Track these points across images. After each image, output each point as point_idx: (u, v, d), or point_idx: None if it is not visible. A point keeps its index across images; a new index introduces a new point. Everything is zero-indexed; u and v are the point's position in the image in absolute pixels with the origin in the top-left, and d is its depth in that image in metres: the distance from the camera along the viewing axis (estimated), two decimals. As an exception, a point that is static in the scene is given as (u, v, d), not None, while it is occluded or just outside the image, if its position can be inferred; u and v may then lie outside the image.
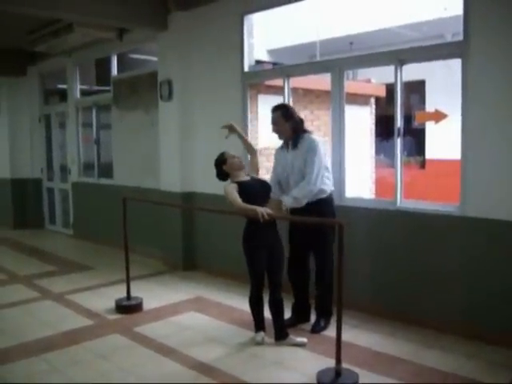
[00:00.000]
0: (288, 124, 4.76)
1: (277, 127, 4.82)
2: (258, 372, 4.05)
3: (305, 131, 4.82)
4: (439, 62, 5.17)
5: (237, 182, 4.45)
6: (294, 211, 4.80)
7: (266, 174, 7.53)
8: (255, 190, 4.44)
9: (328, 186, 4.80)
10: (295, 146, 4.76)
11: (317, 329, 4.83)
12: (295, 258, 4.96)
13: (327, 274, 4.80)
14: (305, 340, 4.53)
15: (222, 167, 4.57)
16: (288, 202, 4.62)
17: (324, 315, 4.90)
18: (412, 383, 3.79)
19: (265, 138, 7.22)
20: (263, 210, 4.19)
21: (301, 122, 4.86)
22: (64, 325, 5.14)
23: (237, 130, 4.88)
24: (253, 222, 4.36)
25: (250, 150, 4.84)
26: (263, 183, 4.63)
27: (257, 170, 4.77)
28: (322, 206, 4.74)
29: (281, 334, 4.54)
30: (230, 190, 4.39)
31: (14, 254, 8.72)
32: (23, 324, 5.23)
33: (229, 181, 4.58)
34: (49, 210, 11.02)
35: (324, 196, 4.76)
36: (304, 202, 4.64)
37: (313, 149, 4.64)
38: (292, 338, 4.53)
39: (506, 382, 3.78)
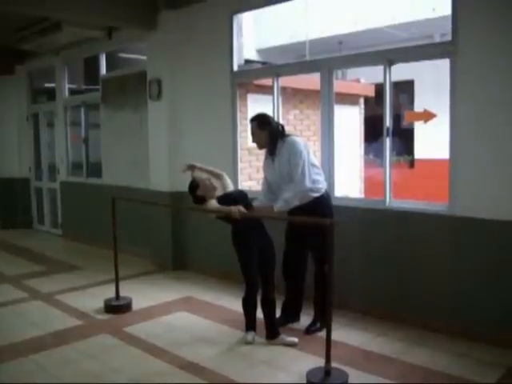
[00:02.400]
0: (264, 133, 4.77)
1: (254, 138, 4.86)
2: (248, 371, 4.05)
3: (285, 136, 4.78)
4: (428, 62, 5.20)
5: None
6: (291, 212, 4.82)
7: (256, 172, 7.56)
8: (233, 198, 4.54)
9: (319, 182, 4.77)
10: (274, 153, 4.76)
11: (311, 329, 4.83)
12: (291, 257, 4.96)
13: (325, 272, 4.75)
14: (296, 340, 4.53)
15: (196, 192, 4.62)
16: (278, 205, 4.62)
17: (321, 317, 4.77)
18: (402, 382, 3.81)
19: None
20: (236, 208, 4.30)
21: (281, 128, 4.85)
22: (53, 325, 5.11)
23: (197, 166, 4.96)
24: (236, 223, 4.45)
25: (217, 175, 4.89)
26: (239, 191, 4.79)
27: (230, 188, 4.82)
28: (318, 205, 4.71)
29: (272, 333, 4.55)
30: (211, 204, 4.52)
31: (2, 255, 8.64)
32: (11, 324, 5.20)
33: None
34: (37, 209, 10.94)
35: (318, 195, 4.74)
36: (294, 203, 4.63)
37: (293, 151, 4.63)
38: (283, 337, 4.54)
39: (495, 380, 3.81)
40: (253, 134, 4.84)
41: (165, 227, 7.22)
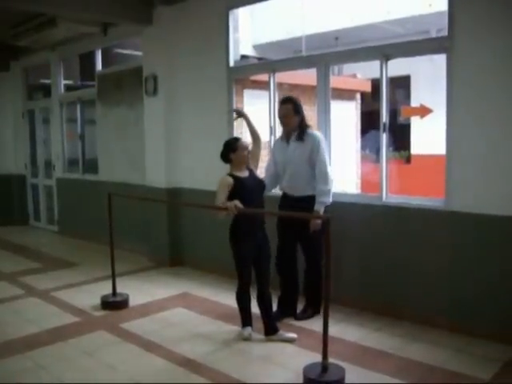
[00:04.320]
0: (296, 117, 4.86)
1: (286, 119, 4.90)
2: (245, 368, 4.05)
3: (308, 126, 4.93)
4: (424, 58, 5.20)
5: (234, 177, 4.42)
6: (283, 206, 4.89)
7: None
8: (251, 189, 4.42)
9: None
10: (300, 139, 4.84)
11: (303, 316, 4.92)
12: (283, 251, 4.99)
13: (317, 264, 4.84)
14: (294, 335, 4.52)
15: (230, 154, 4.49)
16: (320, 208, 4.69)
17: (312, 304, 4.97)
18: (399, 378, 3.81)
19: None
20: (233, 204, 4.20)
21: (304, 117, 4.97)
22: (49, 322, 5.09)
23: (244, 114, 4.85)
24: (238, 219, 4.42)
25: (255, 136, 4.77)
26: (259, 182, 4.60)
27: (257, 161, 4.72)
28: (311, 202, 4.75)
29: (270, 329, 4.54)
30: (222, 186, 4.39)
31: (-3, 251, 8.65)
32: (8, 321, 5.18)
33: (226, 170, 4.58)
34: (33, 206, 10.91)
35: (313, 193, 4.81)
36: (330, 199, 4.77)
37: (321, 147, 4.81)
38: (281, 333, 4.53)
39: (491, 374, 3.82)
40: (285, 115, 4.86)
41: (161, 223, 7.20)
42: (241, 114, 4.93)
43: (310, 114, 8.92)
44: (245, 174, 4.51)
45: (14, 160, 10.80)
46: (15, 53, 10.17)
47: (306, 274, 5.02)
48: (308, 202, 4.74)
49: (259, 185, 4.58)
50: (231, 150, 4.49)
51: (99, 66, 8.70)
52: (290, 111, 4.85)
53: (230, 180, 4.40)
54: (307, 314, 4.95)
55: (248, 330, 4.59)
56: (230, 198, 4.33)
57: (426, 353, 4.20)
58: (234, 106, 6.44)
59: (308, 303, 5.02)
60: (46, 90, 10.24)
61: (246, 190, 4.39)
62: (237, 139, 4.60)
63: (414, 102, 11.45)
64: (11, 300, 5.84)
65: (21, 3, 6.18)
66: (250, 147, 4.65)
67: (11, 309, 5.56)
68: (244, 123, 4.93)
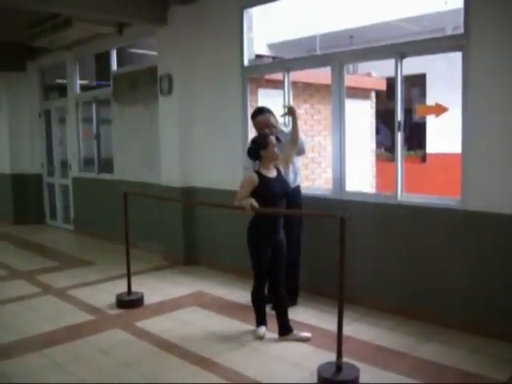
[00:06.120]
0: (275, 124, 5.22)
1: (270, 129, 5.09)
2: (260, 367, 4.05)
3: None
4: (440, 56, 5.16)
5: (261, 175, 4.38)
6: None
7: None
8: (274, 191, 4.38)
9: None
10: (278, 139, 4.96)
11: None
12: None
13: (293, 249, 5.00)
14: (309, 335, 4.52)
15: (260, 151, 4.41)
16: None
17: (291, 292, 5.07)
18: (413, 377, 3.80)
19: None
20: (248, 203, 4.22)
21: None
22: (65, 320, 5.14)
23: (295, 114, 4.87)
24: (257, 218, 4.41)
25: (294, 138, 4.79)
26: (284, 184, 4.52)
27: (287, 162, 4.73)
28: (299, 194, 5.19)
29: (285, 329, 4.54)
30: (245, 183, 4.38)
31: (14, 250, 8.73)
32: (24, 319, 5.24)
33: (252, 167, 4.59)
34: (49, 205, 11.02)
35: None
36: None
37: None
38: (296, 333, 4.52)
39: (507, 375, 3.78)
40: (271, 124, 5.10)
41: (176, 222, 7.23)
42: (292, 113, 4.89)
43: (325, 113, 8.95)
44: (273, 173, 4.46)
45: (30, 159, 10.90)
46: (32, 53, 10.27)
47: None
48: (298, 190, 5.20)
49: (284, 189, 4.50)
50: (262, 146, 4.41)
51: (114, 66, 8.75)
52: (274, 119, 5.20)
53: (255, 178, 4.35)
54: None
55: (262, 329, 4.60)
56: (253, 196, 4.31)
57: (439, 353, 4.18)
58: (248, 105, 6.43)
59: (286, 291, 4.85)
60: (62, 90, 10.32)
61: (270, 191, 4.36)
62: (266, 136, 4.54)
63: (430, 101, 11.36)
64: (28, 298, 5.90)
65: (36, 4, 6.23)
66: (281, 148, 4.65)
67: (28, 306, 5.62)
68: (292, 123, 4.96)
